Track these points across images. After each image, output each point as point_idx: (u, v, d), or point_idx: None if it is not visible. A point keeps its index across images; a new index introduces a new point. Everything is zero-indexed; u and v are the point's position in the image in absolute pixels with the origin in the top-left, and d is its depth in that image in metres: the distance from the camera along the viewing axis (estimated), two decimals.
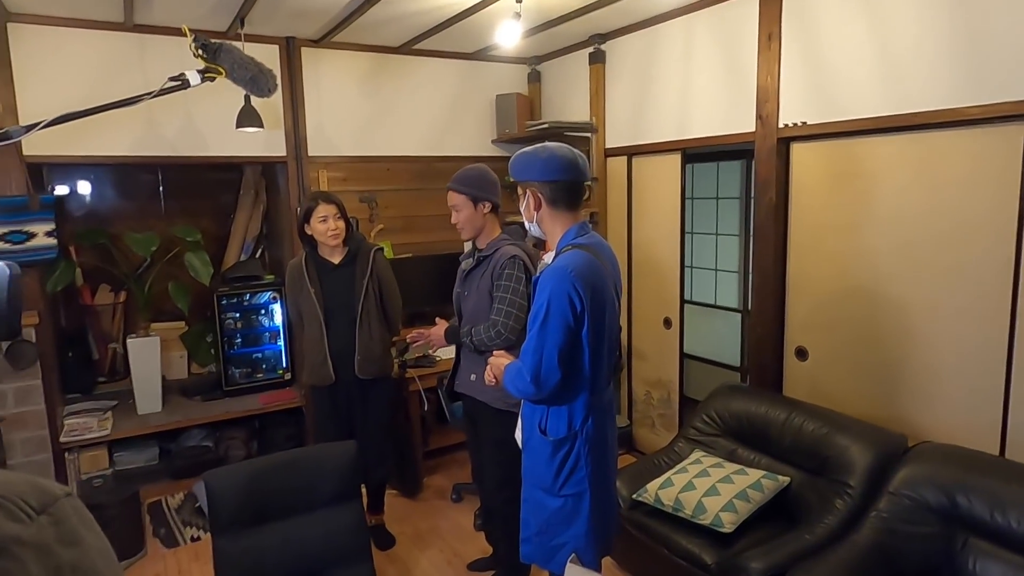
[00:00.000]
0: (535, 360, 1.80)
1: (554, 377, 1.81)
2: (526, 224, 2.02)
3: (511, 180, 2.03)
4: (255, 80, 1.55)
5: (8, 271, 0.89)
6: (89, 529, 0.51)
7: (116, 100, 1.35)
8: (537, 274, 1.94)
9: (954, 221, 2.46)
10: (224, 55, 1.48)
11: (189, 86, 1.39)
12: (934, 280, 2.54)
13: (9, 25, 3.14)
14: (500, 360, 2.06)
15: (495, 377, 2.11)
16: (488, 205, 2.61)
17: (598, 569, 1.99)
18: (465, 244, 2.77)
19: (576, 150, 1.93)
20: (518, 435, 2.11)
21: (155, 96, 1.33)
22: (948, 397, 2.53)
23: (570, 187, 1.90)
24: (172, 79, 1.38)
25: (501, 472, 2.70)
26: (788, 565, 2.12)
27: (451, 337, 2.71)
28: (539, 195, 1.90)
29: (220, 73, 1.45)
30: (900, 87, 2.54)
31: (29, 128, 1.13)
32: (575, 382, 1.86)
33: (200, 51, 1.45)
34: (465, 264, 2.73)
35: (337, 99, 4.02)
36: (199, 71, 1.42)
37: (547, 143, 1.94)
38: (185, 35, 1.45)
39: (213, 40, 1.46)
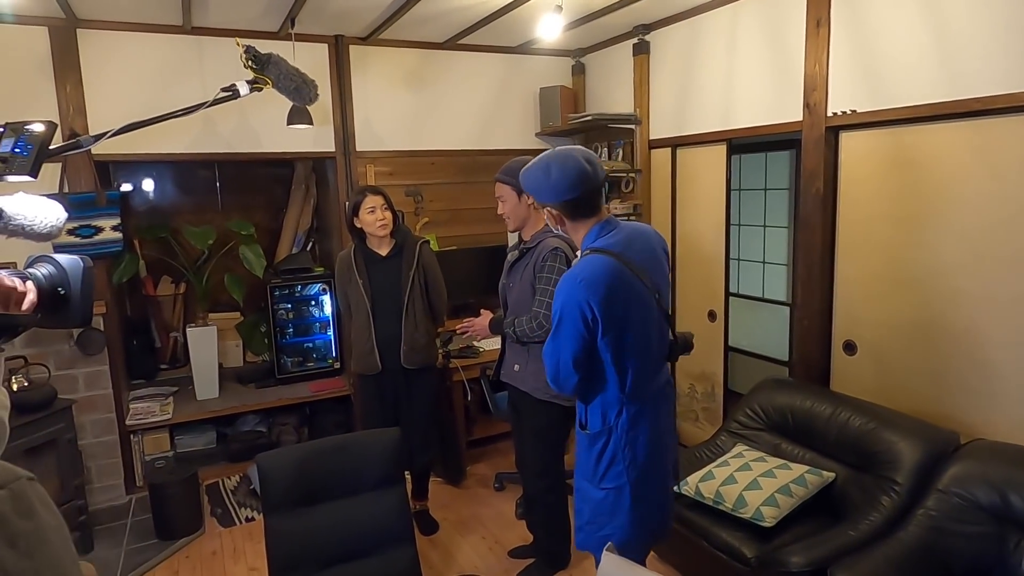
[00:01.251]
0: (552, 363, 1.88)
1: (571, 380, 1.87)
2: (555, 231, 2.06)
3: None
4: (299, 90, 1.63)
5: (82, 263, 0.95)
6: (46, 508, 0.55)
7: (175, 110, 1.45)
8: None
9: (1015, 209, 2.36)
10: (272, 67, 1.56)
11: (239, 96, 1.48)
12: (993, 271, 2.44)
13: (78, 31, 3.33)
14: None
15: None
16: (532, 197, 2.64)
17: (643, 563, 2.00)
18: (511, 236, 2.81)
19: (581, 155, 1.84)
20: None
21: (209, 105, 1.41)
22: (1006, 394, 2.44)
23: (582, 201, 1.86)
24: (224, 89, 1.46)
25: (541, 461, 2.75)
26: (830, 561, 2.09)
27: (496, 328, 2.76)
28: (555, 213, 1.91)
29: (268, 83, 1.53)
30: (955, 72, 2.45)
31: (98, 137, 1.22)
32: (603, 380, 1.88)
33: (250, 62, 1.53)
34: (511, 256, 2.78)
35: (384, 95, 4.11)
36: (248, 81, 1.50)
37: (549, 159, 1.86)
38: (237, 46, 1.53)
39: (262, 52, 1.54)
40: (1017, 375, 2.40)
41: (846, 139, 2.93)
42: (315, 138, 3.93)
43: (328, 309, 4.50)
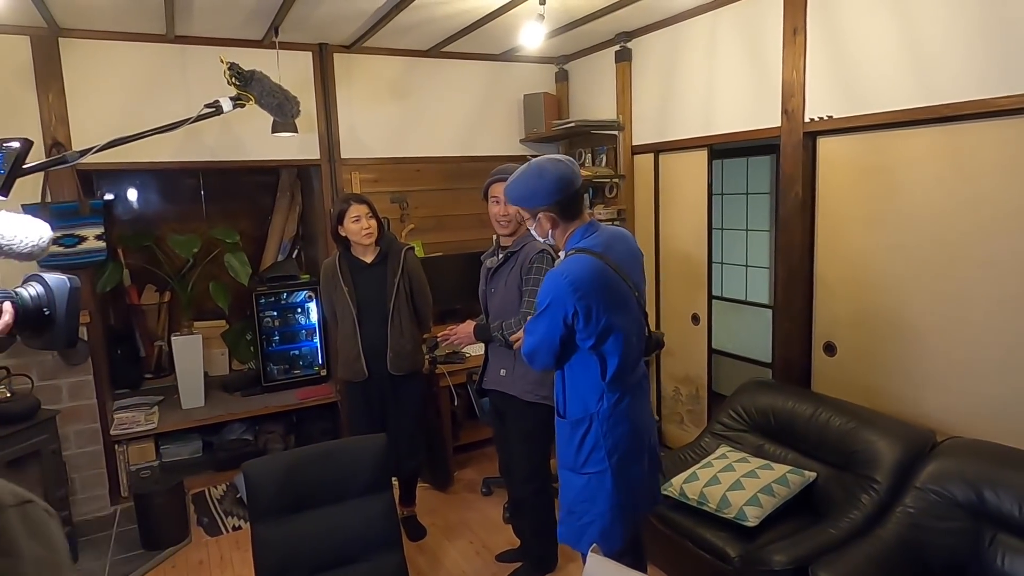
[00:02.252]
0: (532, 341, 2.02)
1: (544, 361, 2.01)
2: (541, 241, 2.14)
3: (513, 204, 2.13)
4: (281, 107, 1.65)
5: (68, 284, 0.94)
6: (35, 538, 0.51)
7: (159, 126, 1.45)
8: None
9: (988, 213, 2.42)
10: (255, 83, 1.57)
11: (223, 112, 1.49)
12: (967, 273, 2.50)
13: (60, 40, 3.32)
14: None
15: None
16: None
17: (624, 548, 2.05)
18: (499, 239, 2.84)
19: (563, 157, 2.02)
20: None
21: (193, 122, 1.42)
22: (980, 393, 2.50)
23: (573, 198, 2.00)
24: (208, 106, 1.47)
25: (529, 465, 2.77)
26: (811, 558, 2.13)
27: (480, 334, 2.78)
28: (552, 216, 2.00)
29: (251, 100, 1.54)
30: (929, 78, 2.51)
31: (83, 153, 1.23)
32: (588, 368, 1.97)
33: (233, 79, 1.54)
34: (490, 262, 2.80)
35: (368, 103, 4.12)
36: (231, 98, 1.51)
37: (538, 163, 1.99)
38: (221, 63, 1.54)
39: (245, 69, 1.55)
40: (991, 375, 2.46)
41: (823, 144, 2.98)
42: (300, 146, 3.93)
43: (314, 316, 4.50)
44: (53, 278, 0.94)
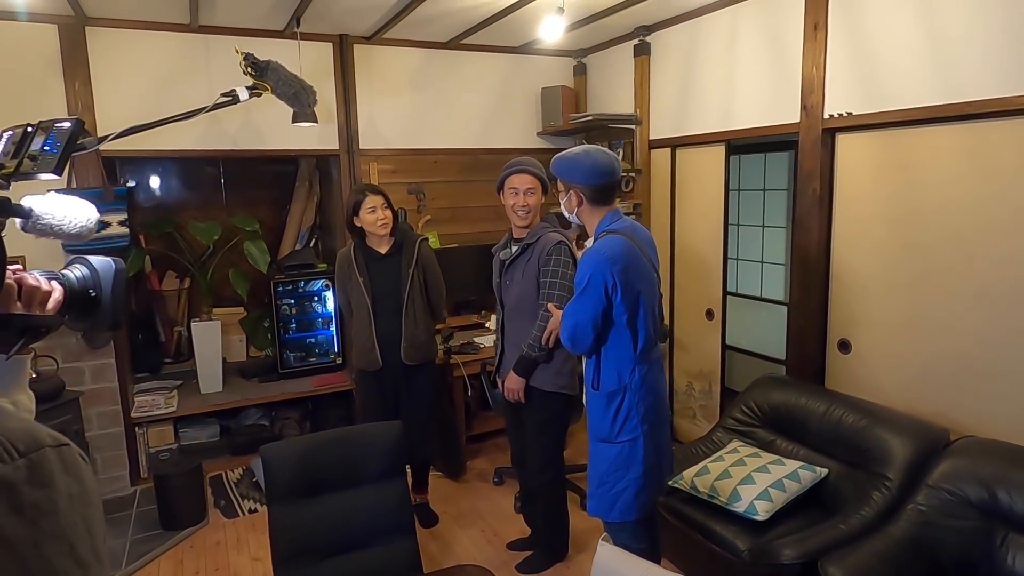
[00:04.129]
0: (572, 322, 2.15)
1: (586, 339, 2.13)
2: (566, 214, 2.29)
3: (552, 176, 2.32)
4: (297, 96, 1.67)
5: (114, 266, 0.95)
6: (70, 475, 0.56)
7: (176, 114, 1.47)
8: (580, 257, 2.23)
9: (1007, 211, 2.40)
10: (271, 73, 1.59)
11: (239, 101, 1.50)
12: (985, 272, 2.49)
13: (87, 28, 3.38)
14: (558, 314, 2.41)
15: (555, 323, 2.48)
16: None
17: (646, 515, 2.23)
18: (512, 232, 2.85)
19: (612, 153, 2.24)
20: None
21: (209, 110, 1.44)
22: (995, 393, 2.49)
23: (607, 188, 2.20)
24: (224, 95, 1.49)
25: (545, 455, 2.80)
26: (821, 553, 2.14)
27: (521, 368, 2.71)
28: (581, 195, 2.19)
29: (267, 89, 1.56)
30: (950, 76, 2.49)
31: (102, 139, 1.25)
32: (621, 342, 2.13)
33: (249, 69, 1.56)
34: (504, 254, 2.82)
35: (387, 94, 4.15)
36: (247, 87, 1.53)
37: (588, 147, 2.22)
38: (236, 53, 1.56)
39: (260, 60, 1.57)
40: (1006, 374, 2.45)
41: (842, 141, 2.97)
42: (319, 136, 3.97)
43: (331, 305, 4.55)
44: (99, 260, 0.95)
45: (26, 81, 3.29)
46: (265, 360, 4.73)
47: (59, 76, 3.34)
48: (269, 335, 4.66)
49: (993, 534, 2.09)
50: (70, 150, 0.98)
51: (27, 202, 0.91)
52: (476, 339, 4.06)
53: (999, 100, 2.34)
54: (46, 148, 0.97)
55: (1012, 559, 2.04)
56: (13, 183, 0.95)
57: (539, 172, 2.72)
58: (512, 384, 2.73)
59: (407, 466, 2.76)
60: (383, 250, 3.10)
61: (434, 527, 3.33)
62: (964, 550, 2.11)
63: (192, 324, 4.19)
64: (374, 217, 2.99)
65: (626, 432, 2.16)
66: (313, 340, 4.58)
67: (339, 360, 4.56)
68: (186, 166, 4.77)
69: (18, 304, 0.84)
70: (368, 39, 4.01)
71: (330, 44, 3.94)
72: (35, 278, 0.87)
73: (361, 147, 4.09)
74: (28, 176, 0.97)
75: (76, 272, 0.94)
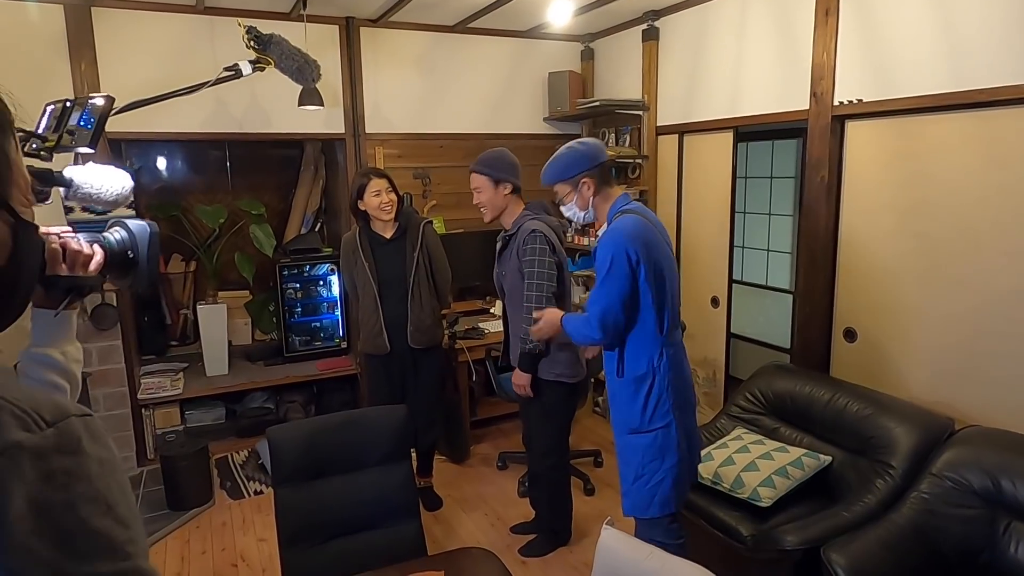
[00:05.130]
0: (601, 307, 2.06)
1: (618, 323, 2.07)
2: (578, 214, 2.25)
3: (549, 186, 2.26)
4: (301, 70, 1.66)
5: (149, 229, 1.01)
6: (95, 442, 0.58)
7: (177, 89, 1.48)
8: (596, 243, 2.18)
9: (1016, 202, 2.39)
10: (273, 47, 1.58)
11: (242, 75, 1.50)
12: (993, 262, 2.48)
13: (93, 9, 3.36)
14: (554, 315, 2.35)
15: (543, 328, 2.40)
16: (508, 186, 2.72)
17: (683, 504, 2.20)
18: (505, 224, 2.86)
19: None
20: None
21: (212, 84, 1.45)
22: (1001, 382, 2.48)
23: (608, 166, 2.22)
24: (227, 69, 1.49)
25: (546, 440, 2.82)
26: (823, 540, 2.14)
27: (525, 364, 2.72)
28: (593, 180, 2.18)
29: (270, 63, 1.55)
30: (962, 64, 2.47)
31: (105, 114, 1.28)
32: (646, 324, 2.08)
33: (252, 43, 1.56)
34: (499, 246, 2.83)
35: (394, 77, 4.13)
36: (251, 61, 1.52)
37: (568, 145, 2.23)
38: (239, 27, 1.55)
39: (264, 33, 1.56)
40: (1012, 365, 2.44)
41: (852, 128, 2.95)
42: (325, 119, 3.96)
43: (336, 289, 4.56)
44: (135, 223, 1.02)
45: (32, 62, 3.28)
46: (270, 343, 4.75)
47: (65, 57, 3.33)
48: (274, 319, 4.68)
49: (996, 522, 2.10)
50: (103, 125, 1.03)
51: (68, 172, 0.98)
52: (481, 324, 4.07)
53: (1011, 88, 2.32)
54: (82, 124, 1.03)
55: (1015, 547, 2.05)
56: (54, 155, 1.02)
57: (480, 167, 2.72)
58: (519, 380, 2.74)
59: (412, 450, 2.78)
60: (388, 235, 3.10)
61: (438, 511, 3.35)
62: (966, 538, 2.12)
63: (198, 307, 4.21)
64: (378, 200, 2.99)
65: (659, 418, 2.09)
66: (318, 324, 4.59)
67: (344, 344, 4.58)
68: (192, 149, 4.77)
69: (63, 266, 0.91)
70: (374, 22, 3.98)
71: (336, 27, 3.92)
72: (78, 242, 0.94)
73: (367, 131, 4.08)
74: (67, 149, 1.03)
75: (115, 235, 1.00)
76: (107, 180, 1.05)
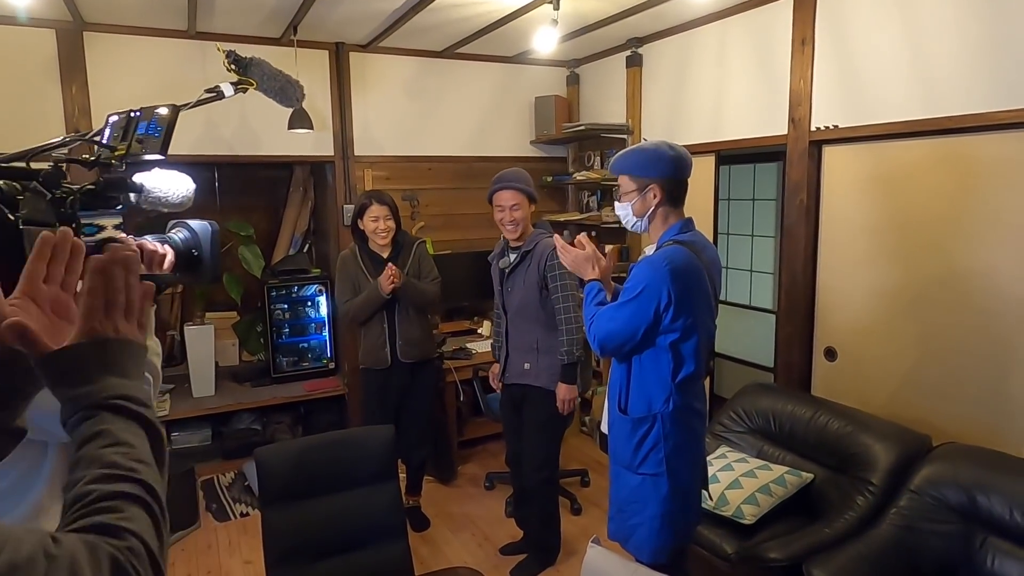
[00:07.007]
0: (609, 328, 1.92)
1: (616, 350, 1.93)
2: (630, 218, 2.02)
3: (617, 173, 2.03)
4: (283, 90, 1.68)
5: (210, 228, 1.08)
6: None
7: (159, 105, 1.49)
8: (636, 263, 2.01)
9: (986, 223, 2.47)
10: (254, 68, 1.60)
11: (224, 97, 1.51)
12: (965, 282, 2.55)
13: (85, 34, 3.40)
14: (590, 260, 2.04)
15: (578, 257, 2.07)
16: (534, 205, 2.80)
17: (668, 562, 1.97)
18: (512, 240, 2.91)
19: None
20: (604, 427, 2.16)
21: (192, 107, 1.46)
22: (976, 400, 2.54)
23: (683, 185, 2.00)
24: (208, 91, 1.50)
25: (542, 453, 2.85)
26: (806, 556, 2.18)
27: (567, 376, 2.74)
28: (662, 190, 1.95)
29: (252, 85, 1.57)
30: (932, 91, 2.56)
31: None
32: (660, 363, 1.90)
33: (232, 66, 1.58)
34: (503, 263, 2.87)
35: (383, 101, 4.20)
36: (232, 83, 1.54)
37: (659, 142, 1.98)
38: (218, 51, 1.58)
39: (243, 56, 1.58)
40: (986, 382, 2.51)
41: (829, 153, 3.04)
42: (315, 142, 4.01)
43: (324, 310, 4.57)
44: (197, 223, 1.08)
45: (23, 85, 3.31)
46: (258, 364, 4.74)
47: (56, 81, 3.36)
48: (262, 339, 4.67)
49: (973, 537, 2.15)
50: (171, 132, 1.06)
51: (138, 179, 1.04)
52: (468, 345, 4.10)
53: (977, 115, 2.41)
54: (150, 132, 1.07)
55: (991, 561, 2.09)
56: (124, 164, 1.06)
57: (522, 186, 2.78)
58: (566, 395, 2.74)
59: (403, 466, 2.80)
60: (385, 255, 3.18)
61: (425, 531, 3.35)
62: (945, 553, 2.16)
63: (185, 328, 4.20)
64: (375, 226, 3.09)
65: (649, 465, 1.93)
66: (306, 345, 4.59)
67: (331, 365, 4.58)
68: (180, 170, 4.78)
69: (141, 266, 0.96)
70: (364, 47, 4.05)
71: (326, 52, 3.98)
72: (152, 243, 1.01)
73: (356, 154, 4.13)
74: (136, 157, 1.07)
75: (180, 235, 1.07)
76: (173, 184, 1.10)
